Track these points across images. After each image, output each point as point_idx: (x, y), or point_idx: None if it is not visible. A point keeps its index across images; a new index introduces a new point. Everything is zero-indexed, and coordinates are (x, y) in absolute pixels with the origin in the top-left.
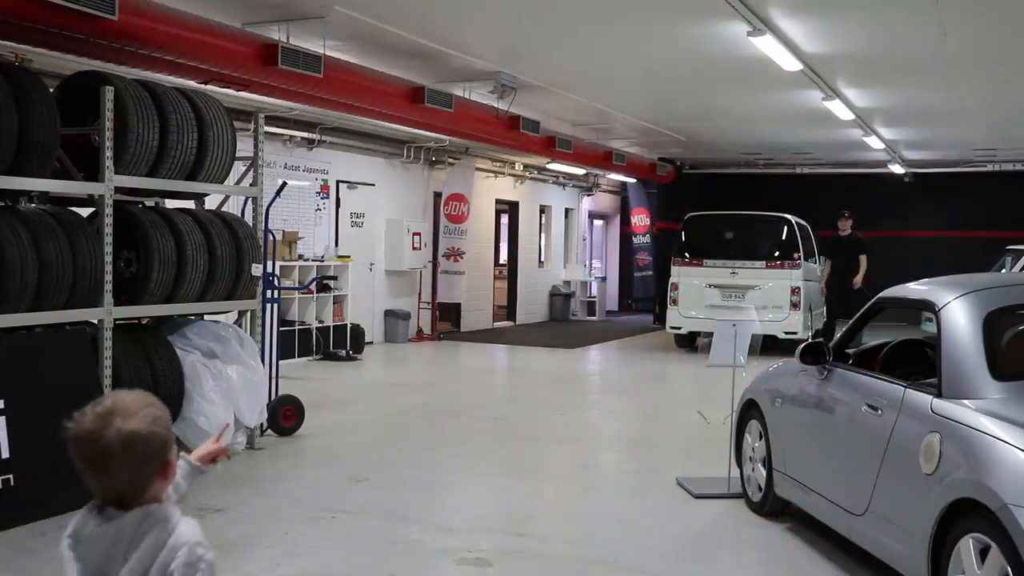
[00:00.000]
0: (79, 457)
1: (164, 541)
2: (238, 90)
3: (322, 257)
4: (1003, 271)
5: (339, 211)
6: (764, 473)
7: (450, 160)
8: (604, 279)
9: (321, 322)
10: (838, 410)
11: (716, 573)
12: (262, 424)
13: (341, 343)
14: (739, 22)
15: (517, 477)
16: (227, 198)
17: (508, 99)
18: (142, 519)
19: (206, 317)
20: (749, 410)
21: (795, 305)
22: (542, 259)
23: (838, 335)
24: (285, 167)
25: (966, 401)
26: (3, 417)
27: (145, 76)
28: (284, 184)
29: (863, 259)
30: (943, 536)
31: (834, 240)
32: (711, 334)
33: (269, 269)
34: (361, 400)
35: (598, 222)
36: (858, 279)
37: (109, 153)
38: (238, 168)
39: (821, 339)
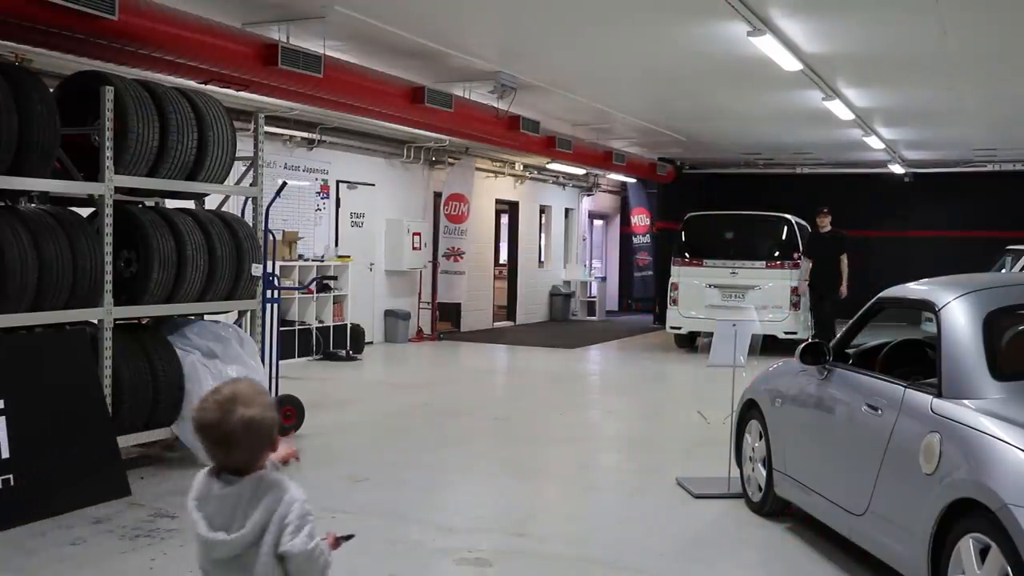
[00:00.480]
0: (206, 440)
1: (280, 499)
2: (238, 90)
3: (322, 257)
4: (1003, 271)
5: (339, 211)
6: (764, 473)
7: (450, 160)
8: (604, 279)
9: (321, 322)
10: (838, 410)
11: (716, 573)
12: None
13: (341, 343)
14: (739, 22)
15: (517, 477)
16: (227, 198)
17: (508, 99)
18: (257, 483)
19: (206, 317)
20: (749, 410)
21: (795, 305)
22: (542, 259)
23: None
24: (285, 167)
25: (966, 401)
26: (3, 417)
27: (145, 76)
28: (284, 184)
29: (844, 260)
30: (943, 536)
31: (814, 238)
32: (711, 334)
33: (269, 269)
34: (361, 400)
35: (598, 222)
36: (843, 289)
37: (109, 153)
38: (238, 168)
39: (819, 340)
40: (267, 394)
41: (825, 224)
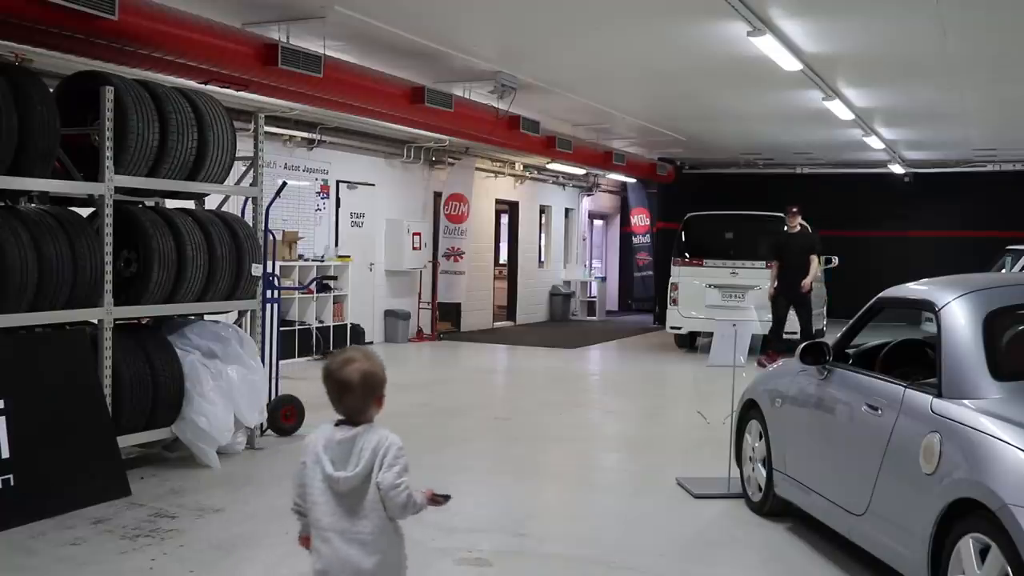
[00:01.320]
0: (331, 388)
1: (382, 440)
2: (238, 90)
3: (322, 257)
4: (1003, 271)
5: (339, 211)
6: (764, 473)
7: (450, 160)
8: (604, 279)
9: (321, 322)
10: (838, 410)
11: (716, 573)
12: (262, 424)
13: (341, 343)
14: (739, 22)
15: (517, 477)
16: (227, 198)
17: (508, 99)
18: (367, 430)
19: (206, 317)
20: (749, 410)
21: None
22: (542, 259)
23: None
24: (285, 167)
25: (966, 401)
26: (3, 417)
27: (145, 76)
28: (284, 184)
29: (814, 260)
30: (943, 536)
31: (782, 238)
32: (711, 334)
33: (269, 269)
34: None
35: (598, 222)
36: (807, 281)
37: (109, 153)
38: (238, 168)
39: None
40: (379, 357)
41: (794, 224)
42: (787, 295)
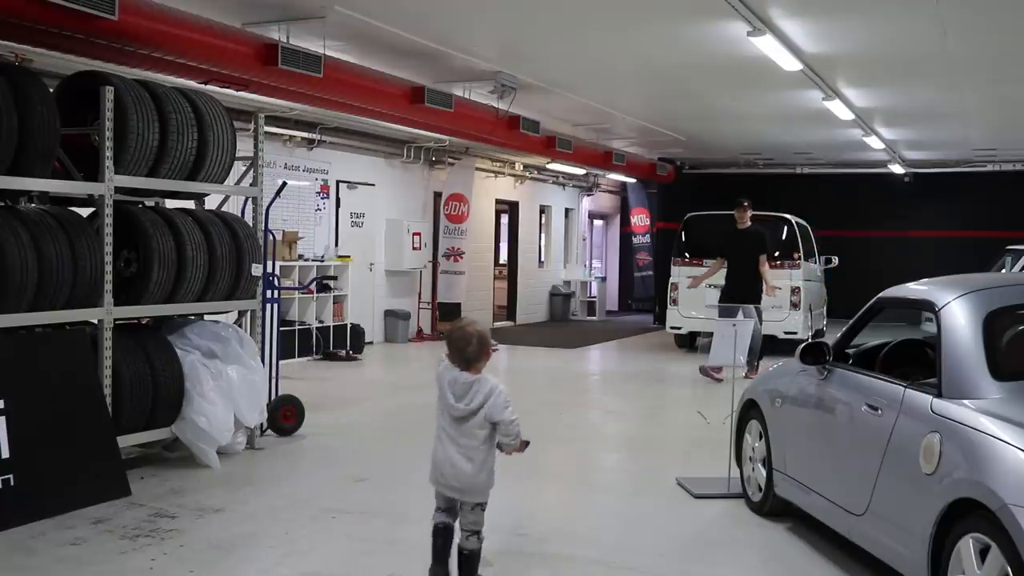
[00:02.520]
0: (455, 343)
1: (492, 387)
2: (238, 90)
3: (322, 257)
4: (1003, 271)
5: (339, 211)
6: (764, 473)
7: (450, 160)
8: (604, 279)
9: (321, 322)
10: (838, 410)
11: (716, 573)
12: (262, 424)
13: (341, 343)
14: (739, 22)
15: (517, 477)
16: (227, 198)
17: (508, 99)
18: (480, 378)
19: (206, 317)
20: (749, 410)
21: (795, 305)
22: (542, 259)
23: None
24: (285, 167)
25: (966, 401)
26: (3, 417)
27: (145, 76)
28: (284, 184)
29: (764, 261)
30: (943, 536)
31: (730, 235)
32: (711, 334)
33: (269, 269)
34: (361, 400)
35: (598, 222)
36: (768, 289)
37: (109, 153)
38: (238, 168)
39: (820, 341)
40: (483, 326)
41: (745, 219)
42: (733, 297)
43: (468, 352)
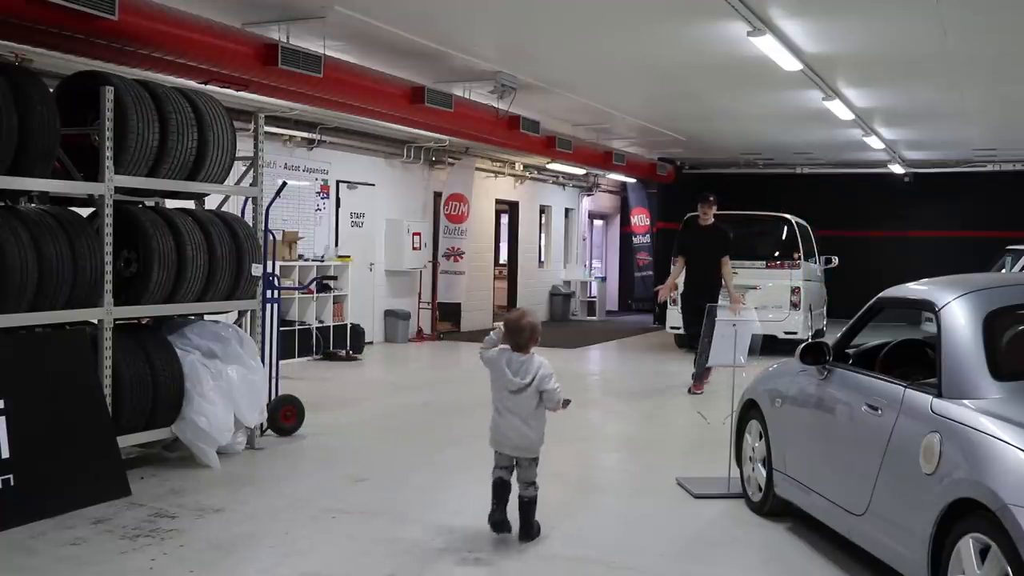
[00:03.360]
0: (510, 331)
1: (540, 363)
2: (238, 90)
3: (322, 257)
4: (1003, 271)
5: (339, 211)
6: (764, 473)
7: (450, 160)
8: (604, 279)
9: (321, 322)
10: (838, 410)
11: (716, 573)
12: (262, 424)
13: (341, 343)
14: (739, 22)
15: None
16: (227, 198)
17: (508, 99)
18: (531, 357)
19: (206, 317)
20: (749, 410)
21: (795, 305)
22: (542, 259)
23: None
24: (285, 167)
25: (966, 401)
26: (3, 417)
27: (145, 76)
28: (284, 184)
29: (727, 265)
30: (943, 536)
31: (690, 232)
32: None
33: (269, 269)
34: (361, 400)
35: (598, 222)
36: (735, 298)
37: (109, 153)
38: (238, 168)
39: (820, 341)
40: (536, 315)
41: (708, 216)
42: (695, 303)
43: (522, 338)
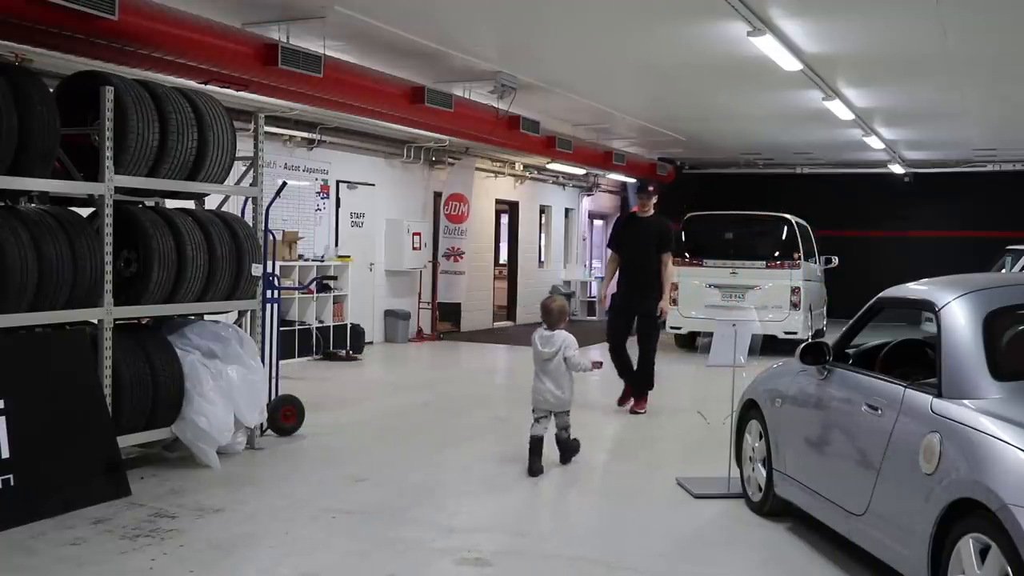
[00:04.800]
0: (544, 312)
1: (564, 337)
2: (238, 90)
3: (322, 257)
4: (1003, 271)
5: (339, 211)
6: (764, 473)
7: (450, 160)
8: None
9: (321, 322)
10: (838, 410)
11: (716, 573)
12: (262, 424)
13: (341, 343)
14: (739, 22)
15: (517, 477)
16: (227, 198)
17: (508, 99)
18: (558, 333)
19: (206, 317)
20: (749, 410)
21: (795, 305)
22: (542, 259)
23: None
24: (285, 167)
25: (966, 401)
26: (3, 417)
27: (145, 76)
28: (284, 184)
29: (668, 263)
30: (943, 536)
31: (627, 225)
32: (711, 334)
33: (269, 269)
34: (361, 400)
35: (598, 222)
36: (664, 304)
37: (109, 153)
38: (238, 168)
39: (820, 341)
40: (565, 300)
41: (648, 207)
42: (628, 305)
43: (551, 318)
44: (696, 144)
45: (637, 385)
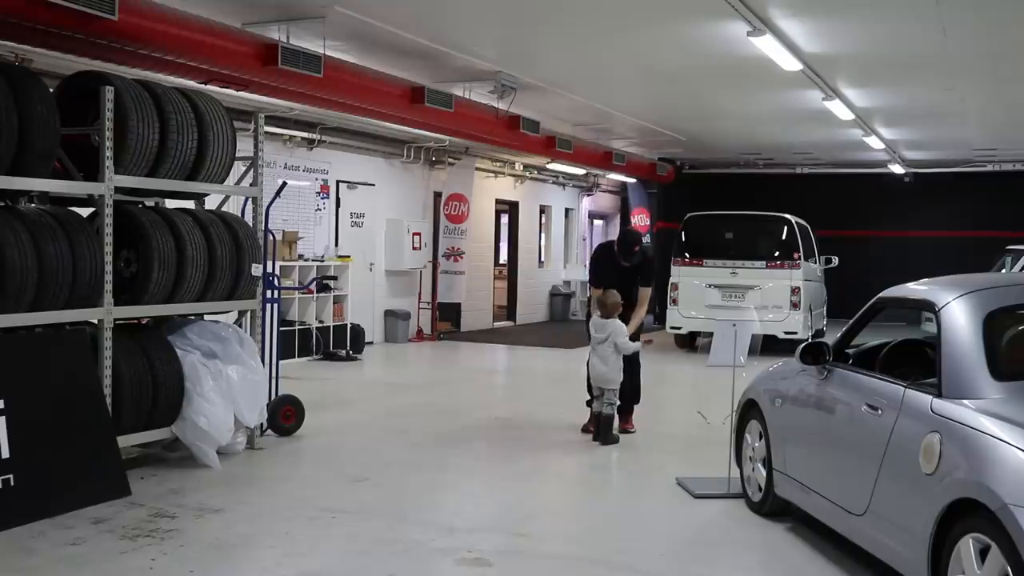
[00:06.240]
0: (599, 303)
1: (617, 326)
2: (238, 90)
3: (322, 257)
4: (1003, 271)
5: (339, 211)
6: (764, 473)
7: (450, 160)
8: None
9: (321, 322)
10: (838, 410)
11: (716, 573)
12: (262, 424)
13: (341, 343)
14: (739, 22)
15: (517, 477)
16: (227, 198)
17: (508, 99)
18: (611, 321)
19: (206, 317)
20: (749, 410)
21: (795, 305)
22: (542, 259)
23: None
24: (285, 167)
25: (966, 401)
26: (3, 417)
27: (145, 76)
28: (284, 184)
29: (646, 299)
30: (943, 536)
31: (608, 266)
32: (711, 334)
33: (269, 269)
34: (361, 400)
35: (598, 222)
36: (637, 332)
37: (109, 153)
38: (238, 168)
39: (820, 341)
40: (618, 295)
41: (631, 260)
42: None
43: (605, 309)
44: (696, 144)
45: (624, 402)
